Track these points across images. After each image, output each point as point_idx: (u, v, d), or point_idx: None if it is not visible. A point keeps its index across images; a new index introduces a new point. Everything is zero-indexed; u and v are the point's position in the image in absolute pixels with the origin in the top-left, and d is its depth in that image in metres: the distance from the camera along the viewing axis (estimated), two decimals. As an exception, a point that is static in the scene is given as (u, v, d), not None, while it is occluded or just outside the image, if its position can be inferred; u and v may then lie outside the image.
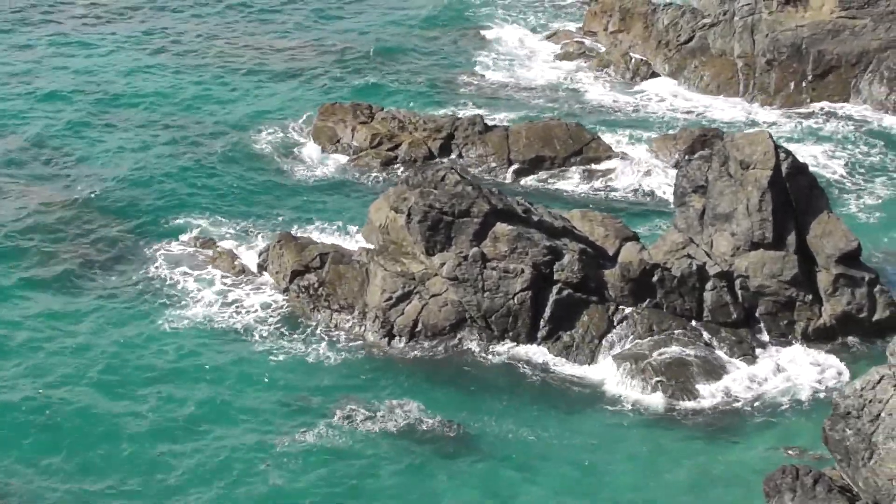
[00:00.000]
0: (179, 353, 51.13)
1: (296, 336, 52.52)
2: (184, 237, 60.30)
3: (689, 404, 48.30)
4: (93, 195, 64.55)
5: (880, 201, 65.62)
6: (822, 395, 48.28)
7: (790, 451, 44.85)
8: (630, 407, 48.26)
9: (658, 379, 49.05)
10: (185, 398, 48.12)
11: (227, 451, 44.70)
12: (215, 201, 64.66)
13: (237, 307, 54.39)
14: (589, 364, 50.98)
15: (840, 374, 49.77)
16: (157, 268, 57.38)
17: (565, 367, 50.84)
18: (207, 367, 50.14)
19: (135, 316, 53.71)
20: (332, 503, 42.31)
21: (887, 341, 43.09)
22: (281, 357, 51.02)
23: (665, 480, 43.88)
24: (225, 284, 56.10)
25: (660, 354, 50.31)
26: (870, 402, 36.54)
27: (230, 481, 43.10)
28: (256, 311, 54.16)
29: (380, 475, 43.86)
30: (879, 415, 36.19)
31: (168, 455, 44.53)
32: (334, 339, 52.34)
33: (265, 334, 52.54)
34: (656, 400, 48.47)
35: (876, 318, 51.87)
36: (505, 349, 51.62)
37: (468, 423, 46.93)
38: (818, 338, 52.07)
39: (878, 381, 36.91)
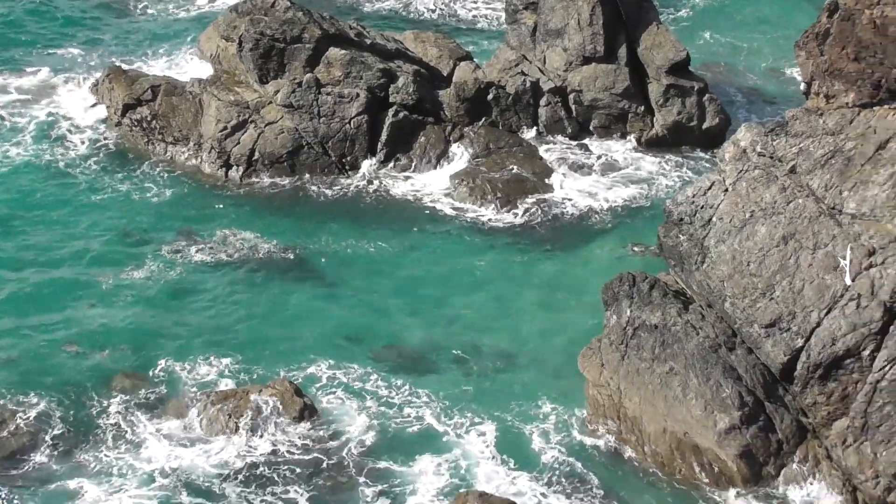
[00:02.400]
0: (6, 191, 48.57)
1: (128, 171, 50.00)
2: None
3: (526, 217, 47.48)
4: None
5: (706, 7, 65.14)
6: (657, 199, 47.95)
7: (635, 248, 44.60)
8: (468, 223, 47.24)
9: (495, 195, 48.04)
10: (11, 234, 45.77)
11: (52, 289, 42.67)
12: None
13: (65, 144, 51.56)
14: (426, 184, 49.66)
15: (671, 181, 49.38)
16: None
17: (403, 187, 49.48)
18: (34, 204, 47.60)
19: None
20: (162, 335, 40.59)
21: (717, 149, 42.57)
22: (111, 193, 48.53)
23: (511, 289, 43.21)
24: (52, 117, 53.22)
25: (496, 171, 49.29)
26: (701, 207, 35.90)
27: (58, 321, 41.06)
28: (86, 145, 51.43)
29: (215, 300, 42.34)
30: (710, 220, 35.58)
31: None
32: (169, 172, 50.02)
33: (95, 169, 49.93)
34: (493, 214, 47.57)
35: (706, 126, 51.28)
36: (343, 174, 50.01)
37: (306, 245, 45.49)
38: (651, 147, 51.47)
39: (709, 188, 36.24)
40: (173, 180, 49.58)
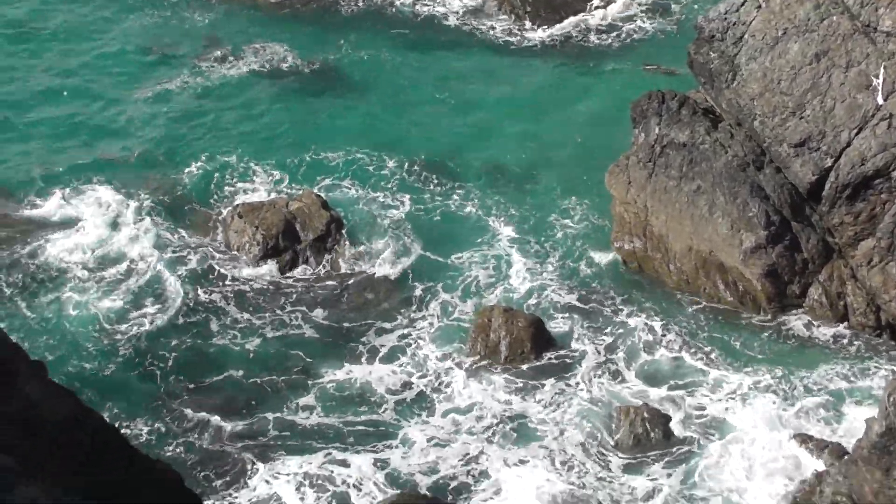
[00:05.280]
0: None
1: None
2: None
3: (556, 35, 46.08)
4: None
5: None
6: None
7: (648, 67, 43.23)
8: (494, 38, 45.88)
9: (525, 10, 46.56)
10: (49, 47, 44.94)
11: (86, 105, 41.88)
12: None
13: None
14: (461, -1, 48.26)
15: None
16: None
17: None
18: (74, 21, 46.67)
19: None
20: (195, 141, 39.93)
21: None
22: (141, 10, 47.53)
23: (535, 105, 42.16)
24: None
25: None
26: (733, 24, 34.31)
27: (84, 140, 40.37)
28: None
29: (245, 111, 41.57)
30: (742, 37, 34.05)
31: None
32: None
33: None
34: (519, 31, 46.25)
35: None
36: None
37: (335, 57, 44.61)
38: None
39: (742, 4, 34.54)
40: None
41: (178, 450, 28.75)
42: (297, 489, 27.69)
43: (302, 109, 41.66)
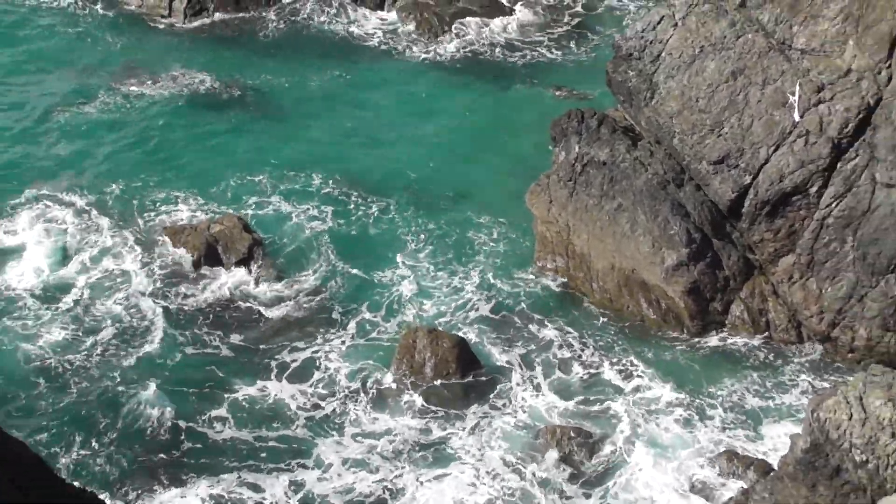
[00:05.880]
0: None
1: (76, 12, 47.95)
2: None
3: (467, 51, 46.15)
4: None
5: None
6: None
7: (558, 92, 43.16)
8: (412, 56, 45.72)
9: (442, 28, 46.47)
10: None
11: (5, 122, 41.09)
12: None
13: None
14: (375, 18, 47.86)
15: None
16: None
17: (352, 20, 47.76)
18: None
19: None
20: (114, 165, 39.23)
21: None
22: (62, 31, 46.70)
23: (454, 125, 42.06)
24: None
25: (444, 4, 47.74)
26: (650, 42, 34.40)
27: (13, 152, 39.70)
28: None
29: (165, 134, 40.88)
30: (660, 55, 34.14)
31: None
32: (116, 11, 47.90)
33: (48, 8, 47.99)
34: (435, 48, 46.23)
35: (654, -44, 49.43)
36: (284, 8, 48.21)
37: (254, 80, 44.05)
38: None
39: (659, 22, 34.69)
40: (123, 19, 47.53)
41: (97, 468, 28.12)
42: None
43: (223, 132, 41.15)
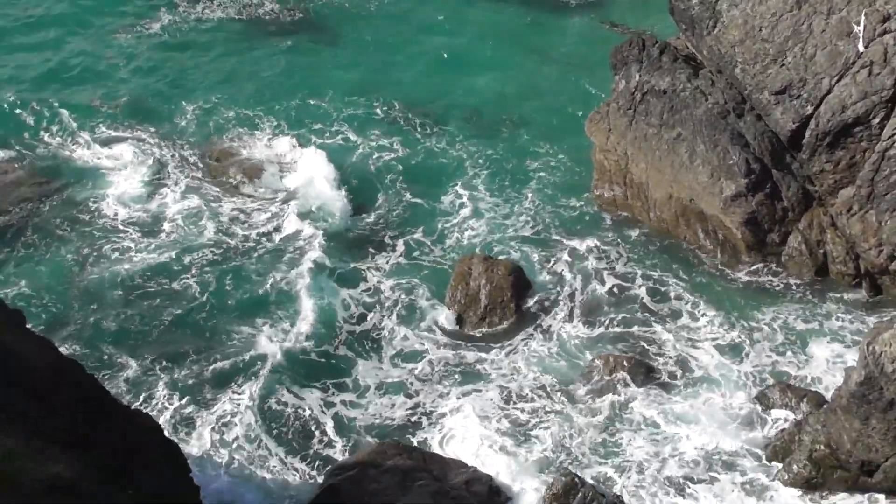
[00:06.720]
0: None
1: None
2: None
3: None
4: None
5: None
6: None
7: (616, 28, 42.75)
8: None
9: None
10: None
11: (71, 43, 41.16)
12: None
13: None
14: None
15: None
16: None
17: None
18: None
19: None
20: (179, 86, 39.42)
21: None
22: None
23: (513, 55, 41.68)
24: None
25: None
26: (715, -30, 33.88)
27: (70, 83, 39.81)
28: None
29: (226, 56, 41.10)
30: None
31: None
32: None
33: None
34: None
35: None
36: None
37: (311, 3, 43.81)
38: None
39: None
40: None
41: (161, 393, 28.55)
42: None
43: (284, 56, 41.15)
